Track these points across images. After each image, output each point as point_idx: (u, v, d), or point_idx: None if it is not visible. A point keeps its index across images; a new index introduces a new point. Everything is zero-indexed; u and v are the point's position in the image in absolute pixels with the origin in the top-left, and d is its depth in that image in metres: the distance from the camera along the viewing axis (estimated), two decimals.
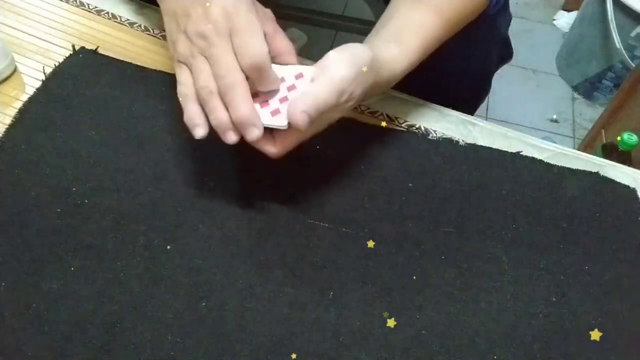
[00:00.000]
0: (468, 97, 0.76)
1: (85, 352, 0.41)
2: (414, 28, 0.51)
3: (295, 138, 0.45)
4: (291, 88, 0.45)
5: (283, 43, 0.46)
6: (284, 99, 0.44)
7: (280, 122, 0.43)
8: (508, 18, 0.72)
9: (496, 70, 0.78)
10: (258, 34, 0.42)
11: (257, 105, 0.44)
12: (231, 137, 0.43)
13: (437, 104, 0.61)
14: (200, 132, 0.44)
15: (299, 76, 0.45)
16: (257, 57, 0.41)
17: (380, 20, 0.54)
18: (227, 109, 0.42)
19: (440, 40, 0.54)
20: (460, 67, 0.69)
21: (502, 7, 0.66)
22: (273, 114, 0.44)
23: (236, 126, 0.42)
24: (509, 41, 0.76)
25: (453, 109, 0.61)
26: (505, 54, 0.76)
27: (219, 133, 0.43)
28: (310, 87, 0.43)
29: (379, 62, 0.47)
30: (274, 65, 0.44)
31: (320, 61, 0.44)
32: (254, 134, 0.42)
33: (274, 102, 0.44)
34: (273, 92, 0.45)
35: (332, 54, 0.44)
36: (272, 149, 0.45)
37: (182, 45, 0.44)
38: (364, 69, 0.44)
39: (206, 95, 0.42)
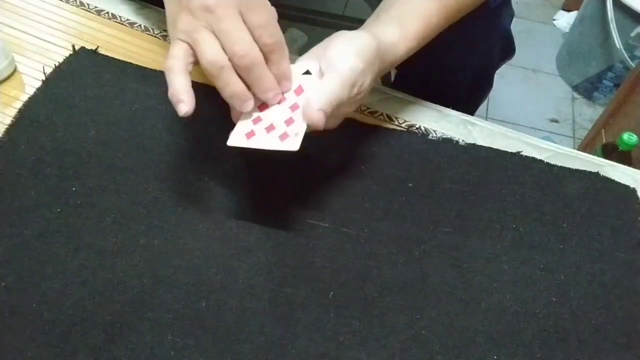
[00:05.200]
0: (470, 93, 0.75)
1: (85, 352, 0.41)
2: (414, 13, 0.51)
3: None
4: (298, 91, 0.45)
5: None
6: (295, 106, 0.44)
7: (292, 146, 0.42)
8: (510, 12, 0.71)
9: (498, 67, 0.77)
10: (272, 11, 0.42)
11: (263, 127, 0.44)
12: (249, 105, 0.43)
13: (439, 101, 0.61)
14: (184, 109, 0.41)
15: (305, 75, 0.45)
16: (278, 35, 0.41)
17: (380, 5, 0.54)
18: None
19: (440, 28, 0.54)
20: (462, 62, 0.69)
21: (503, 0, 0.66)
22: (282, 139, 0.43)
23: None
24: (511, 36, 0.75)
25: (455, 107, 0.61)
26: (507, 50, 0.76)
27: (234, 104, 0.43)
28: (322, 85, 0.43)
29: (383, 48, 0.47)
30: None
31: (326, 53, 0.44)
32: (277, 99, 0.44)
33: (284, 112, 0.44)
34: (282, 100, 0.45)
35: (338, 47, 0.43)
36: None
37: (183, 22, 0.42)
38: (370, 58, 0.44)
39: (217, 71, 0.41)
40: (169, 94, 0.42)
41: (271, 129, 0.44)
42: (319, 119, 0.41)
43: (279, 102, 0.45)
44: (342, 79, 0.43)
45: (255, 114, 0.45)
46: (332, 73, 0.43)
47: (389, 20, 0.51)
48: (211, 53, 0.41)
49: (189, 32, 0.42)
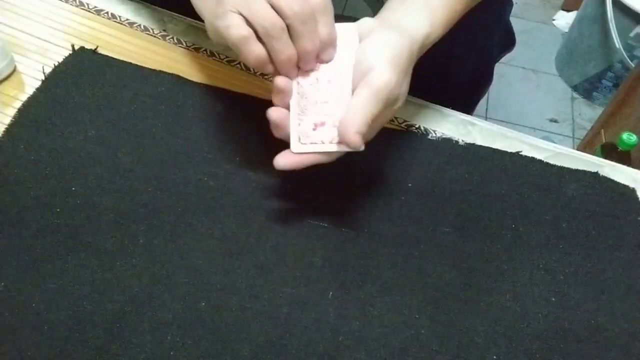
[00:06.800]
0: (470, 86, 0.75)
1: (85, 352, 0.41)
2: (441, 2, 0.50)
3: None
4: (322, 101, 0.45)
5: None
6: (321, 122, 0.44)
7: (331, 147, 0.44)
8: (510, 3, 0.71)
9: (498, 59, 0.77)
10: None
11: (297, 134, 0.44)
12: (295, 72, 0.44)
13: (440, 94, 0.60)
14: (271, 68, 0.42)
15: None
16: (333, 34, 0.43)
17: None
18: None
19: (460, 15, 0.53)
20: (463, 53, 0.68)
21: None
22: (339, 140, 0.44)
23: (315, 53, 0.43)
24: (511, 27, 0.75)
25: (456, 100, 0.60)
26: (507, 41, 0.76)
27: (285, 70, 0.43)
28: (356, 103, 0.41)
29: (416, 47, 0.46)
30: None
31: (359, 57, 0.43)
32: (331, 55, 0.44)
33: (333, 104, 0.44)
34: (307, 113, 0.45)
35: (371, 53, 0.43)
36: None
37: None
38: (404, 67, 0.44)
39: (278, 32, 0.41)
40: (255, 63, 0.42)
41: (323, 126, 0.44)
42: (356, 142, 0.41)
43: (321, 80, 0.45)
44: (377, 95, 0.42)
45: (304, 116, 0.45)
46: (365, 89, 0.42)
47: (417, 8, 0.49)
48: (272, 14, 0.40)
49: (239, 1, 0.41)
